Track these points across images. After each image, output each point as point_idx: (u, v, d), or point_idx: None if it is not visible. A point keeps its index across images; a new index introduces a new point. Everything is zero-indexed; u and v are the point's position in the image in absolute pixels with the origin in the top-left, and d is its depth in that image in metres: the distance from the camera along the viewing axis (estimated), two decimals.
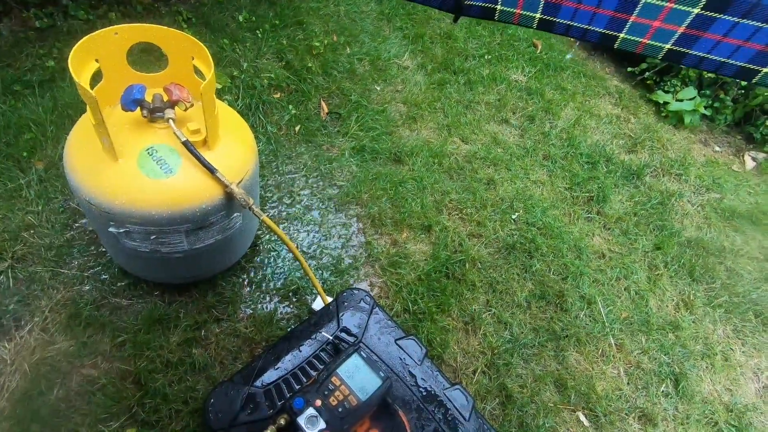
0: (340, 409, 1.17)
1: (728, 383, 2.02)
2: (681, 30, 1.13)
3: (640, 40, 1.21)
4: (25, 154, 1.91)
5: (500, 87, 3.00)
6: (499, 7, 1.31)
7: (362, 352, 1.30)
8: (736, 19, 1.05)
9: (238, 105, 2.34)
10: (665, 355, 2.01)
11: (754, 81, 1.14)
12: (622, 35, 1.23)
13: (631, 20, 1.18)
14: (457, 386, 1.37)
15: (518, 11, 1.31)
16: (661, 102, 3.25)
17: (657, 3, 1.11)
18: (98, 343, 1.56)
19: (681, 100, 3.19)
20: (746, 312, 2.26)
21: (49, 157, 1.94)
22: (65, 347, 1.53)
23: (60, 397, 1.44)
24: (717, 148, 3.21)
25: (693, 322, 2.17)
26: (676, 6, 1.09)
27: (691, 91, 3.20)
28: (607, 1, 1.17)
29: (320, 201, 2.16)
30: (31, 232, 1.75)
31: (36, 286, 1.64)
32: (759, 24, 1.03)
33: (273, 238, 1.96)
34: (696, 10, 1.07)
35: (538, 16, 1.29)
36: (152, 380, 1.50)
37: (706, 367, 2.04)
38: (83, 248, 1.75)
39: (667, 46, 1.19)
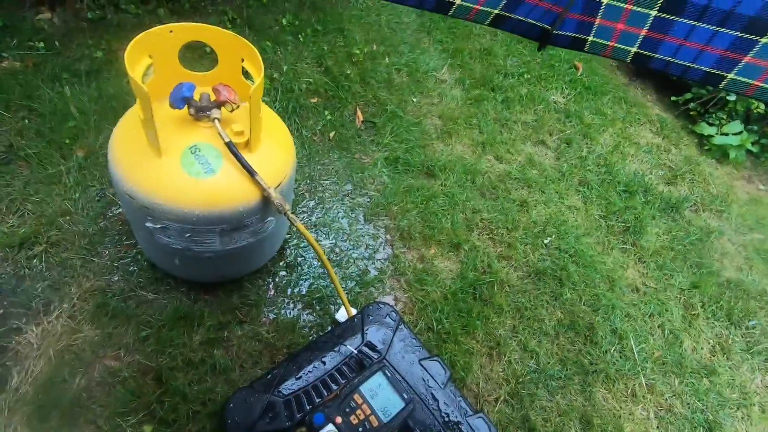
0: (360, 429, 1.13)
1: None
2: (643, 33, 1.19)
3: (608, 43, 1.27)
4: (67, 141, 1.95)
5: (538, 107, 2.94)
6: (590, 38, 1.32)
7: (386, 371, 1.26)
8: (692, 22, 1.09)
9: (275, 107, 2.35)
10: (699, 401, 1.91)
11: (721, 86, 1.18)
12: (590, 38, 1.29)
13: (597, 23, 1.24)
14: (480, 414, 1.31)
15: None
16: (705, 134, 3.14)
17: (616, 4, 1.16)
18: (122, 335, 1.55)
19: (726, 134, 3.07)
20: None
21: (90, 145, 1.97)
22: (90, 336, 1.53)
23: (82, 386, 1.44)
24: (761, 187, 3.08)
25: (729, 368, 2.06)
26: (635, 8, 1.15)
27: (737, 126, 3.08)
28: (574, 6, 1.23)
29: (350, 209, 2.14)
30: (67, 218, 1.77)
31: (67, 273, 1.65)
32: (714, 28, 1.07)
33: (301, 244, 1.94)
34: (653, 13, 1.13)
35: (634, 50, 1.30)
36: (173, 378, 1.49)
37: (742, 418, 1.92)
38: (115, 238, 1.77)
39: (634, 49, 1.24)
